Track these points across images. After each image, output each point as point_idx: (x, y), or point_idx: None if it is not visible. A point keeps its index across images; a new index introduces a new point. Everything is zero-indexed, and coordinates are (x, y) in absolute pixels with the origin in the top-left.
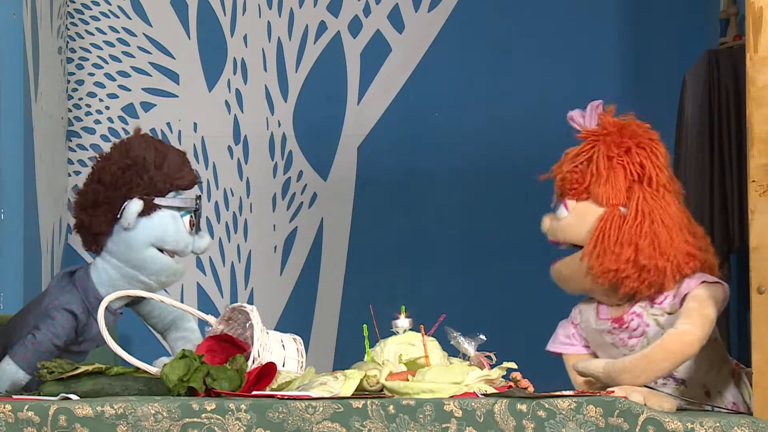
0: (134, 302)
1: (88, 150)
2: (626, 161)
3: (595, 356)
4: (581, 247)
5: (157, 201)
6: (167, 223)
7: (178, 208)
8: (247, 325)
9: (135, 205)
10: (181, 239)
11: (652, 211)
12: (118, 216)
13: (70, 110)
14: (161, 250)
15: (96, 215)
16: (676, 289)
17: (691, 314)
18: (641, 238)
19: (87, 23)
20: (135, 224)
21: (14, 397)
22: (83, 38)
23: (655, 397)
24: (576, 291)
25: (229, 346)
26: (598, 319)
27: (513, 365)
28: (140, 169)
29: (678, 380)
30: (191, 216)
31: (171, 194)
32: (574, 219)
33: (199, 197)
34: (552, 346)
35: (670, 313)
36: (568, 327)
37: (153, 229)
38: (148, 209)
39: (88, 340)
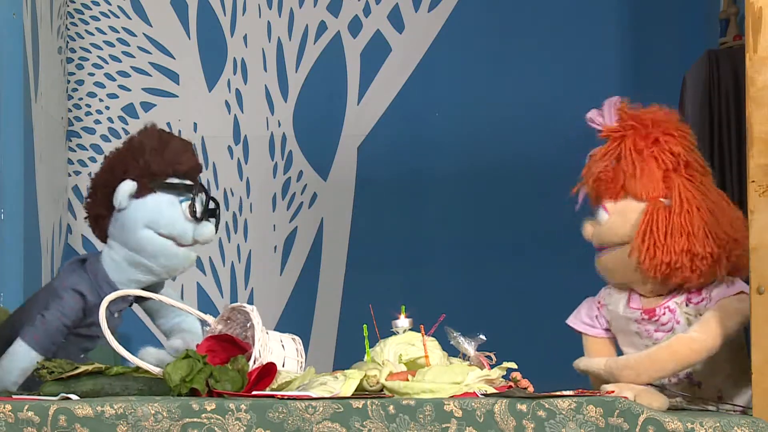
0: (142, 299)
1: (88, 150)
2: (656, 151)
3: (615, 341)
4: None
5: (151, 184)
6: (161, 205)
7: (176, 193)
8: (248, 325)
9: (126, 186)
10: (176, 223)
11: (695, 197)
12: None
13: (70, 110)
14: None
15: (96, 200)
16: (714, 290)
17: (708, 323)
18: (693, 226)
19: (87, 23)
20: (128, 205)
21: (14, 397)
22: (83, 38)
23: (646, 395)
24: (621, 282)
25: (230, 346)
26: (627, 307)
27: (513, 365)
28: (136, 153)
29: (695, 382)
30: (190, 203)
31: (169, 180)
32: (617, 218)
33: (200, 184)
34: (573, 323)
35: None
36: (593, 307)
37: (145, 210)
38: (142, 191)
39: (97, 324)
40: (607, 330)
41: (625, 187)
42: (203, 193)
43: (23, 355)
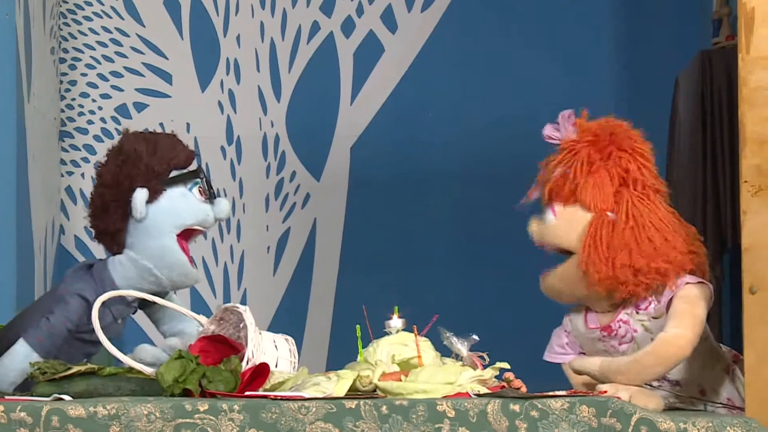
0: (147, 305)
1: (80, 150)
2: (609, 165)
3: None
4: (568, 252)
5: (160, 184)
6: (177, 200)
7: (183, 183)
8: (241, 325)
9: (141, 194)
10: (198, 210)
11: (642, 214)
12: (129, 210)
13: (63, 110)
14: (187, 238)
15: (108, 216)
16: (659, 293)
17: (681, 316)
18: (634, 242)
19: (80, 24)
20: (146, 212)
21: (6, 397)
22: (76, 39)
23: (642, 396)
24: (569, 301)
25: (223, 346)
26: (587, 328)
27: (506, 365)
28: (135, 161)
29: (672, 381)
30: (200, 186)
31: (172, 174)
32: (562, 223)
33: (200, 167)
34: (549, 356)
35: (656, 318)
36: (561, 337)
37: (164, 212)
38: (154, 194)
39: (101, 328)
40: (582, 353)
41: (575, 195)
42: (203, 173)
43: (24, 356)
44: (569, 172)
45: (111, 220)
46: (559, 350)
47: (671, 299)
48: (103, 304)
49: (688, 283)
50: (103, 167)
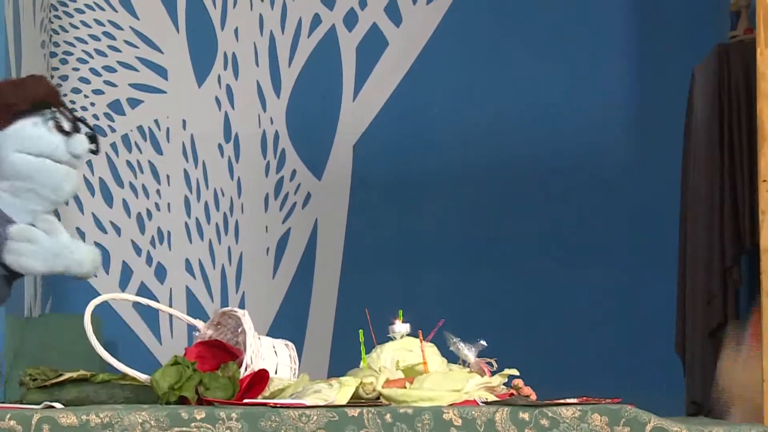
0: None
1: None
2: None
3: None
4: None
5: (13, 116)
6: (25, 127)
7: (39, 114)
8: (239, 330)
9: None
10: (43, 138)
11: None
12: None
13: None
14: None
15: None
16: None
17: None
18: None
19: (71, 16)
20: None
21: None
22: (67, 32)
23: None
24: None
25: (220, 352)
26: None
27: (515, 372)
28: None
29: None
30: (54, 120)
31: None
32: None
33: (62, 104)
34: None
35: None
36: None
37: (9, 136)
38: (4, 123)
39: None
40: None
41: None
42: (68, 111)
43: None
44: None
45: None
46: None
47: None
48: None
49: None
50: None
